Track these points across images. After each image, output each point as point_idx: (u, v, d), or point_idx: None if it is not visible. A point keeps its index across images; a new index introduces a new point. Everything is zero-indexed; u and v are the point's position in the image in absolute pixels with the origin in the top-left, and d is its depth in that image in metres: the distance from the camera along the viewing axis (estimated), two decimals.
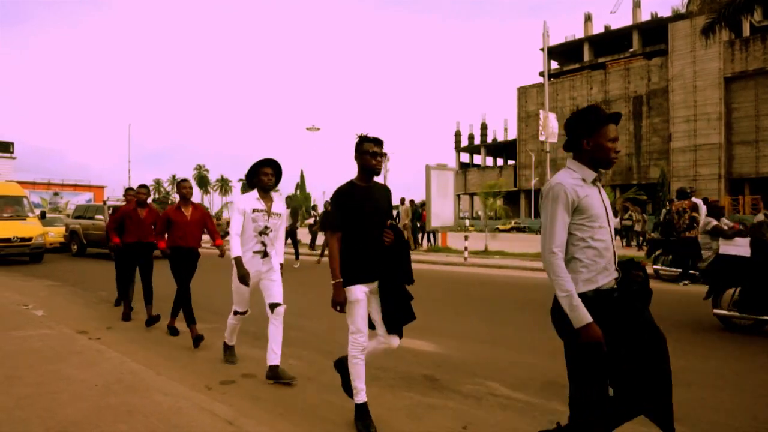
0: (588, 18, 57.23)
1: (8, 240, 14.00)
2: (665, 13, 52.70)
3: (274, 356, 4.06)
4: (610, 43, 55.39)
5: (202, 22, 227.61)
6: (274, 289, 4.21)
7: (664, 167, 43.46)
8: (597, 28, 57.16)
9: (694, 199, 10.18)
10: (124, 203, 7.93)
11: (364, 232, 3.15)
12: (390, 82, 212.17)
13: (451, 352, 5.20)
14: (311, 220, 18.52)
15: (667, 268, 10.16)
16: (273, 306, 4.16)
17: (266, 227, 4.23)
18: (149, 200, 7.01)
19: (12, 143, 42.27)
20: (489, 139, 71.22)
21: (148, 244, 6.64)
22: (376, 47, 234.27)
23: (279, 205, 4.36)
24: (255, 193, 4.26)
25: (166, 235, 5.80)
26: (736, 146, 42.42)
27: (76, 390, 3.69)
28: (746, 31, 41.75)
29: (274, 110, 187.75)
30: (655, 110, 47.16)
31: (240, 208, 4.21)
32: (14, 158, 42.14)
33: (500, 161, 69.58)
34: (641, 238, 19.64)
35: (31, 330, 5.63)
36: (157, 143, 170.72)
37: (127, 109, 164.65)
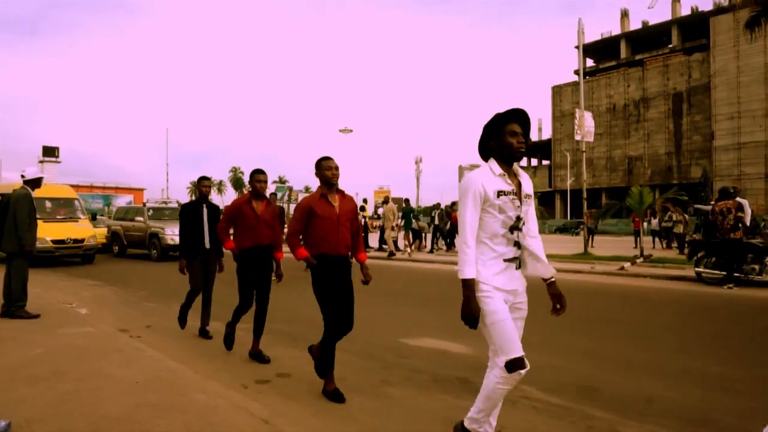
0: (625, 14, 55.95)
1: (62, 242, 14.23)
2: (706, 6, 51.14)
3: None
4: (648, 39, 53.95)
5: (237, 27, 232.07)
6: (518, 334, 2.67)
7: (706, 166, 42.09)
8: (634, 24, 55.84)
9: (738, 199, 9.80)
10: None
11: None
12: (423, 82, 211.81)
13: (484, 354, 5.12)
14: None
15: (710, 271, 9.82)
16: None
17: (518, 218, 2.58)
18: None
19: (57, 148, 44.00)
20: None
21: (267, 248, 4.94)
22: (409, 48, 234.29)
23: (529, 182, 2.71)
24: (493, 166, 2.59)
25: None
26: None
27: (116, 386, 3.81)
28: None
29: (308, 113, 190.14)
30: (695, 107, 45.74)
31: (476, 191, 2.52)
32: (59, 162, 43.86)
33: (534, 161, 68.59)
34: (682, 241, 19.00)
35: (75, 328, 5.83)
36: (194, 146, 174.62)
37: (165, 113, 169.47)
